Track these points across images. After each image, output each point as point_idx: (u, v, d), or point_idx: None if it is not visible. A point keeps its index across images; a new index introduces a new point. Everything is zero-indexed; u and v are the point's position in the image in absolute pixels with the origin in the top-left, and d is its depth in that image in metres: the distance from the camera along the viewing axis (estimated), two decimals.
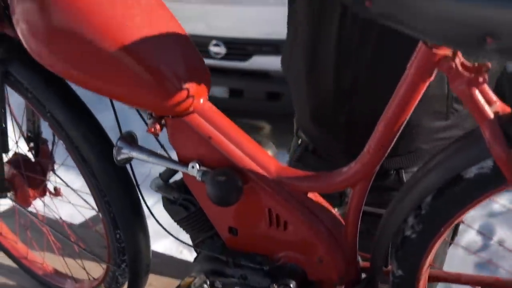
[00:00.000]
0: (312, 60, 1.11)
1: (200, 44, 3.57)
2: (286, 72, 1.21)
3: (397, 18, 0.60)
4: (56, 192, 1.29)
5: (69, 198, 1.23)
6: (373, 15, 0.62)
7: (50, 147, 1.25)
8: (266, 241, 0.89)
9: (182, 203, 0.96)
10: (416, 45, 0.66)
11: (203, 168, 0.87)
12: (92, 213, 1.25)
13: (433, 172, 0.73)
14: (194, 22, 3.62)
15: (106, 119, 1.10)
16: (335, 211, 0.91)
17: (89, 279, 1.29)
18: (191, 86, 0.84)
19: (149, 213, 1.02)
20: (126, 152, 0.94)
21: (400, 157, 1.01)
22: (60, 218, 1.31)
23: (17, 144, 1.25)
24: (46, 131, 1.19)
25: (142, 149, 0.93)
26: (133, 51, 0.82)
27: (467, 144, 0.69)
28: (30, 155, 1.26)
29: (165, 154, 0.96)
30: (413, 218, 0.76)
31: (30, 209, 1.28)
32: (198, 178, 0.87)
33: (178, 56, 0.85)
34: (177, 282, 0.98)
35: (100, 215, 1.08)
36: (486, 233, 2.29)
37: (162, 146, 0.99)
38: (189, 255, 1.89)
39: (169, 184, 0.96)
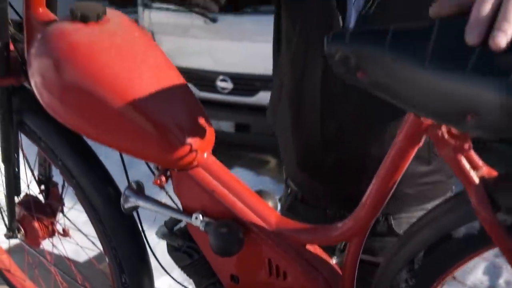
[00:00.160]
0: (297, 111, 1.14)
1: (207, 79, 3.68)
2: (273, 124, 1.25)
3: (388, 90, 0.64)
4: (65, 233, 1.33)
5: (77, 239, 1.27)
6: (364, 85, 0.66)
7: (60, 190, 1.29)
8: None
9: (186, 251, 0.99)
10: None
11: (206, 219, 0.91)
12: (98, 251, 1.29)
13: (425, 229, 0.77)
14: (201, 57, 3.71)
15: (114, 162, 1.14)
16: (333, 260, 0.95)
17: None
18: (195, 142, 0.88)
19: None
20: (133, 201, 0.98)
21: (386, 203, 1.05)
22: (67, 258, 1.35)
23: (29, 187, 1.30)
24: (57, 174, 1.24)
25: (148, 199, 0.97)
26: (140, 108, 0.86)
27: (456, 204, 0.73)
28: (40, 197, 1.30)
29: (171, 203, 1.00)
30: (406, 272, 0.80)
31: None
32: (202, 228, 0.91)
33: (183, 113, 0.89)
34: None
35: (107, 259, 1.12)
36: (492, 273, 2.30)
37: (167, 194, 1.03)
38: None
39: (174, 232, 1.00)
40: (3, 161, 1.17)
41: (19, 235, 1.28)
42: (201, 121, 0.92)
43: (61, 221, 1.32)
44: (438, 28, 0.60)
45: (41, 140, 1.09)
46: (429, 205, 1.11)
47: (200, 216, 0.91)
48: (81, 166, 1.05)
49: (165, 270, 1.07)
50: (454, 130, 0.67)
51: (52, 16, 0.98)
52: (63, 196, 1.30)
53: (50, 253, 1.39)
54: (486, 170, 0.68)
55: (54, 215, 1.30)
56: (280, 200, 1.24)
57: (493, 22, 0.56)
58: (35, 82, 0.94)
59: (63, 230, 1.32)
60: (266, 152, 3.70)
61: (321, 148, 1.11)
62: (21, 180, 1.25)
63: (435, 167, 1.07)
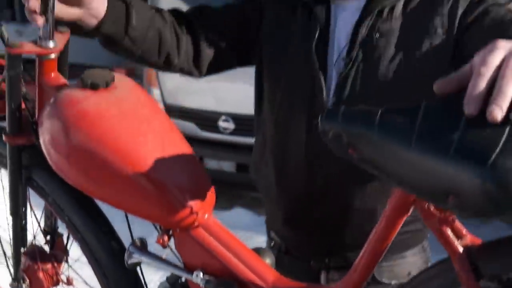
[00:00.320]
0: (282, 169, 1.19)
1: (209, 119, 3.75)
2: (256, 179, 1.29)
3: (376, 167, 0.69)
4: (69, 282, 1.36)
5: None
6: (355, 161, 0.71)
7: (65, 240, 1.33)
8: None
9: None
10: None
11: (207, 277, 0.95)
12: None
13: None
14: (204, 98, 3.78)
15: (119, 217, 1.18)
16: None
17: None
18: (196, 204, 0.93)
19: None
20: (136, 257, 1.02)
21: None
22: None
23: (35, 237, 1.33)
24: (62, 225, 1.28)
25: (151, 255, 1.01)
26: (144, 171, 0.91)
27: (441, 271, 0.77)
28: (46, 247, 1.34)
29: (174, 259, 1.03)
30: None
31: None
32: (202, 286, 0.95)
33: (185, 176, 0.94)
34: None
35: None
36: None
37: (171, 250, 1.07)
38: None
39: (175, 287, 1.04)
40: (11, 214, 1.21)
41: (24, 285, 1.31)
42: (203, 183, 0.97)
43: (65, 272, 1.35)
44: (423, 111, 0.66)
45: (48, 195, 1.13)
46: (408, 253, 1.18)
47: (201, 274, 0.95)
48: (87, 221, 1.09)
49: None
50: None
51: (63, 80, 1.04)
52: (68, 247, 1.33)
53: None
54: (470, 239, 0.73)
55: (59, 265, 1.33)
56: None
57: (488, 96, 0.62)
58: (45, 143, 0.99)
59: (67, 279, 1.36)
60: None
61: (307, 204, 1.16)
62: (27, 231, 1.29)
63: (414, 216, 1.12)
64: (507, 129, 0.59)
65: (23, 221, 1.24)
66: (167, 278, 1.04)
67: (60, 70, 1.06)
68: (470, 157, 0.59)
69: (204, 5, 1.28)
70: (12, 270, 1.31)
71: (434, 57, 1.07)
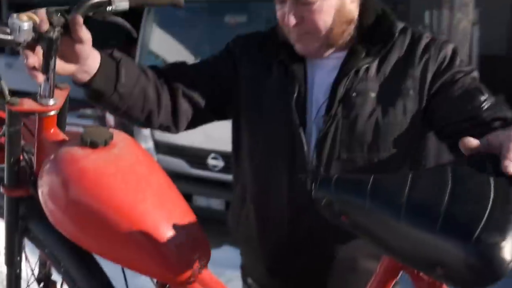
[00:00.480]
0: (264, 220, 1.23)
1: (199, 156, 3.77)
2: (235, 231, 1.32)
3: (367, 234, 0.73)
4: None
5: None
6: (347, 227, 0.75)
7: None
8: None
9: None
10: None
11: None
12: None
13: None
14: (193, 135, 3.79)
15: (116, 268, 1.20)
16: None
17: None
18: (192, 260, 0.95)
19: None
20: None
21: None
22: None
23: (29, 286, 1.34)
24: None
25: None
26: (142, 228, 0.93)
27: None
28: None
29: None
30: None
31: None
32: None
33: (183, 232, 0.96)
34: None
35: None
36: None
37: None
38: None
39: None
40: (6, 264, 1.22)
41: None
42: (199, 239, 0.99)
43: None
44: (411, 181, 0.70)
45: (45, 246, 1.15)
46: None
47: None
48: (83, 274, 1.11)
49: None
50: None
51: (62, 136, 1.07)
52: None
53: None
54: None
55: None
56: None
57: None
58: (44, 198, 1.01)
59: None
60: None
61: (289, 254, 1.20)
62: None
63: None
64: (489, 205, 0.63)
65: (18, 270, 1.25)
66: None
67: (58, 124, 1.09)
68: (456, 233, 0.62)
69: (180, 62, 1.34)
70: None
71: (408, 116, 1.15)
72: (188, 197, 3.37)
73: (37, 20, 0.94)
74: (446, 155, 1.45)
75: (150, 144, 3.89)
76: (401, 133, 1.15)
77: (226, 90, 1.29)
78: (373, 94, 1.15)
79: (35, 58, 0.98)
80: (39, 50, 0.99)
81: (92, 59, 1.09)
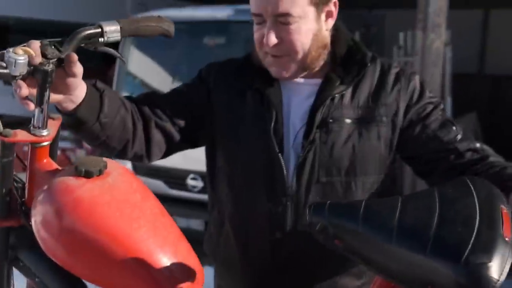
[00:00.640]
0: (245, 244, 1.26)
1: (178, 177, 3.77)
2: (214, 256, 1.34)
3: (361, 257, 0.76)
4: None
5: None
6: (341, 251, 0.78)
7: None
8: None
9: None
10: None
11: None
12: None
13: None
14: (172, 156, 3.82)
15: None
16: None
17: None
18: (185, 285, 0.97)
19: None
20: None
21: None
22: None
23: None
24: None
25: None
26: (138, 256, 0.95)
27: None
28: None
29: None
30: None
31: None
32: None
33: (176, 259, 0.98)
34: None
35: None
36: None
37: None
38: None
39: None
40: None
41: None
42: (192, 264, 1.01)
43: None
44: (401, 205, 0.74)
45: (35, 275, 1.15)
46: None
47: None
48: None
49: None
50: None
51: (55, 166, 1.08)
52: None
53: None
54: None
55: None
56: None
57: None
58: (38, 227, 1.02)
59: None
60: None
61: (272, 275, 1.23)
62: None
63: (366, 280, 1.22)
64: (475, 227, 0.67)
65: None
66: None
67: (50, 153, 1.10)
68: (446, 255, 0.66)
69: (151, 92, 1.36)
70: None
71: (382, 141, 1.23)
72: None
73: (33, 53, 0.96)
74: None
75: (128, 166, 3.89)
76: (377, 157, 1.21)
77: (199, 117, 1.32)
78: (348, 121, 1.21)
79: (28, 89, 1.00)
80: (31, 81, 1.01)
81: (79, 89, 1.11)
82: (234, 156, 1.27)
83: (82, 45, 1.07)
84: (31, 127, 1.04)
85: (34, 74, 0.98)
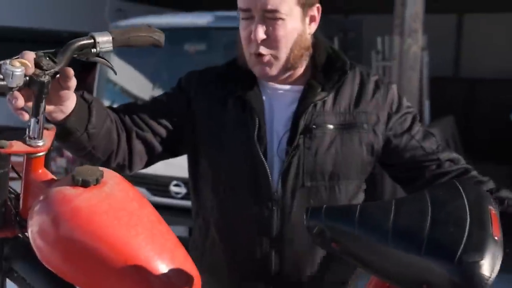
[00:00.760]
0: (234, 249, 1.28)
1: (160, 183, 3.77)
2: (199, 263, 1.36)
3: (358, 259, 0.79)
4: None
5: None
6: (338, 253, 0.81)
7: None
8: None
9: None
10: None
11: None
12: None
13: None
14: None
15: None
16: None
17: None
18: None
19: None
20: None
21: None
22: None
23: None
24: None
25: None
26: (135, 263, 0.97)
27: None
28: None
29: None
30: None
31: None
32: None
33: (173, 266, 1.00)
34: None
35: None
36: None
37: None
38: None
39: None
40: None
41: None
42: (189, 270, 1.03)
43: None
44: (395, 208, 0.77)
45: (30, 286, 1.15)
46: None
47: None
48: None
49: None
50: None
51: (50, 176, 1.09)
52: None
53: None
54: None
55: None
56: None
57: None
58: (34, 237, 1.03)
59: None
60: None
61: (261, 282, 1.25)
62: None
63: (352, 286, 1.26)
64: (467, 228, 0.71)
65: None
66: None
67: (44, 164, 1.11)
68: (440, 255, 0.70)
69: (133, 102, 1.38)
70: None
71: (363, 146, 1.27)
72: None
73: (29, 64, 0.97)
74: None
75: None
76: (359, 162, 1.25)
77: (179, 127, 1.33)
78: (331, 126, 1.24)
79: (23, 100, 1.01)
80: (26, 92, 1.02)
81: (70, 100, 1.13)
82: (217, 162, 1.29)
83: (75, 55, 1.08)
84: (27, 138, 1.04)
85: (30, 85, 0.99)
